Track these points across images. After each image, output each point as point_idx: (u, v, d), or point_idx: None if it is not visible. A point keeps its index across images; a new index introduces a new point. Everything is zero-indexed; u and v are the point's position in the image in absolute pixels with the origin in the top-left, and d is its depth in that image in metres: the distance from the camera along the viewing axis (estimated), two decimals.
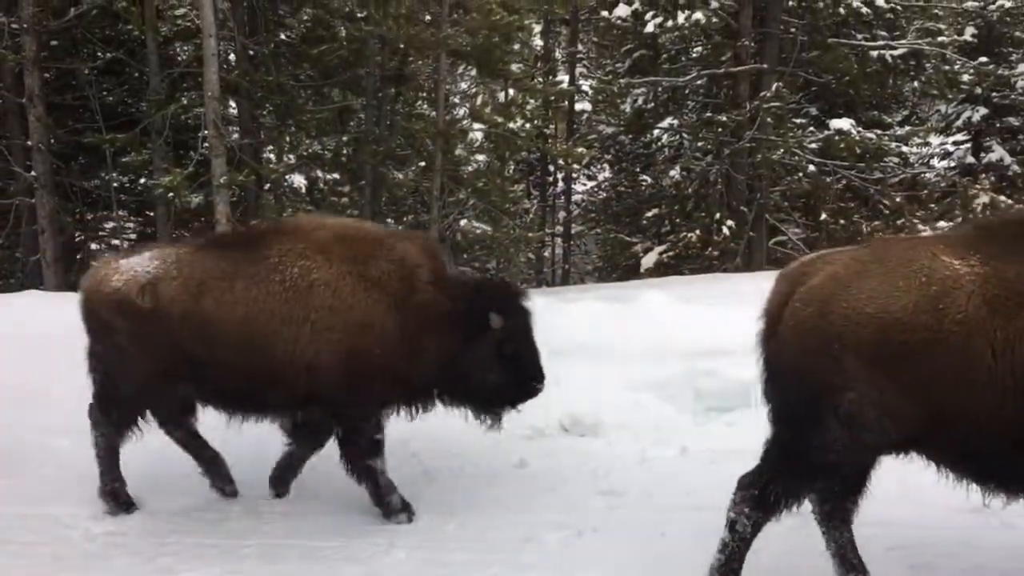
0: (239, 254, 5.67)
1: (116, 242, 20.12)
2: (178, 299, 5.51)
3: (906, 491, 5.81)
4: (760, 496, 4.37)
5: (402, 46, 17.81)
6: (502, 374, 5.63)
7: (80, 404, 7.87)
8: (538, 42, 28.57)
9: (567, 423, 7.00)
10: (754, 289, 12.91)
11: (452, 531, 5.48)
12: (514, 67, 21.01)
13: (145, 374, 5.64)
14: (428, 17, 17.58)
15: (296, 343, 5.43)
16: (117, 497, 5.77)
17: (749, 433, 6.73)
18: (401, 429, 6.99)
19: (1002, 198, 23.15)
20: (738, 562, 4.46)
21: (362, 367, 5.47)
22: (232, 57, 17.90)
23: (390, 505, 5.60)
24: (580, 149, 19.67)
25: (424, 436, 6.33)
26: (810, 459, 4.25)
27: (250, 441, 6.76)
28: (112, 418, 5.76)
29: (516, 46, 20.69)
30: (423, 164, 19.68)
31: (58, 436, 7.03)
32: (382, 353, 5.47)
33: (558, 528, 5.41)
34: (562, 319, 9.66)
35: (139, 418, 5.82)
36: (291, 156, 18.43)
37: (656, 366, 7.98)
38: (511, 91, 23.06)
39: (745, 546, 4.44)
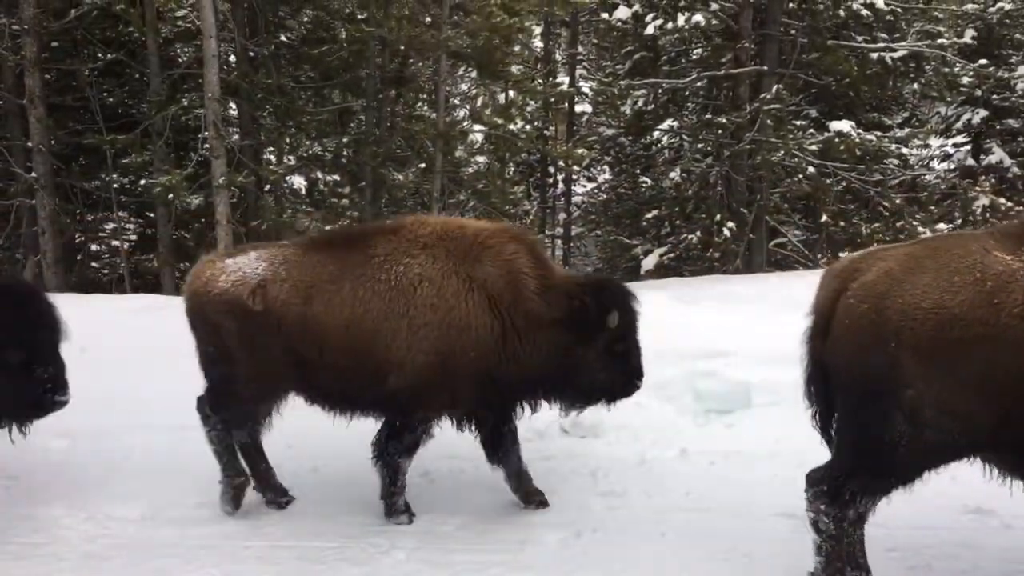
0: (346, 254, 5.61)
1: (116, 243, 20.11)
2: (289, 302, 5.45)
3: (905, 491, 5.83)
4: (834, 492, 4.33)
5: (402, 48, 17.83)
6: (611, 372, 5.62)
7: (79, 404, 7.91)
8: (538, 44, 28.62)
9: (567, 424, 6.99)
10: (754, 291, 13.04)
11: (452, 532, 5.48)
12: (514, 69, 21.04)
13: (255, 375, 5.56)
14: (428, 19, 17.59)
15: (394, 340, 5.38)
16: (228, 494, 5.73)
17: (749, 434, 6.82)
18: None
19: (1002, 200, 23.17)
20: (839, 560, 4.41)
21: (453, 369, 5.41)
22: (232, 59, 17.91)
23: (395, 505, 5.59)
24: (580, 151, 19.70)
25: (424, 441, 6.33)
26: (882, 457, 4.19)
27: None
28: (224, 416, 5.68)
29: (516, 48, 20.71)
30: (423, 165, 19.71)
31: (58, 437, 7.03)
32: (476, 356, 5.41)
33: (558, 529, 5.42)
34: None
35: (251, 418, 5.75)
36: (291, 157, 18.45)
37: (656, 367, 7.91)
38: (511, 93, 23.09)
39: (838, 543, 4.39)
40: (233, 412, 5.68)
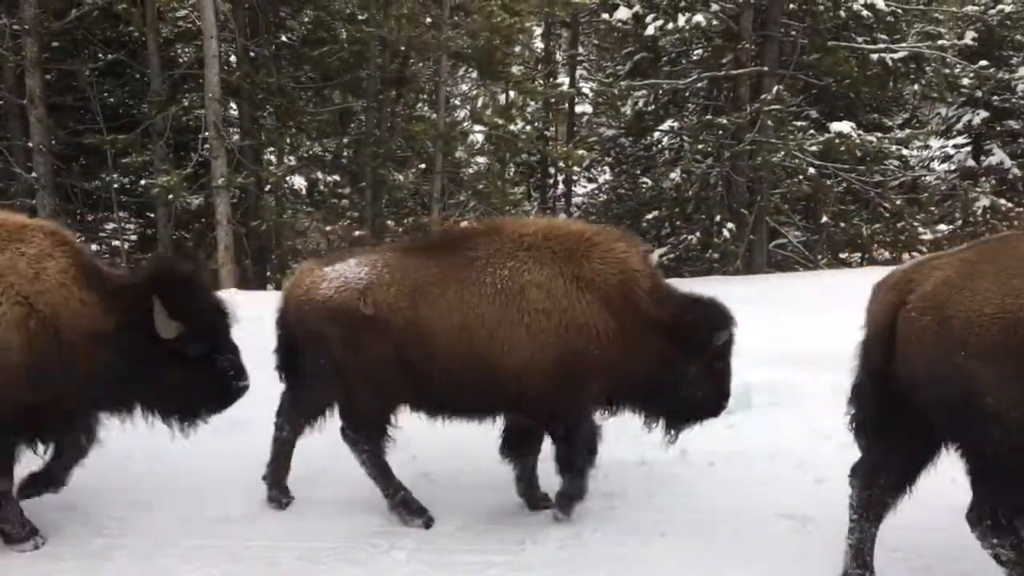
0: (447, 257, 5.52)
1: (116, 243, 20.13)
2: (396, 306, 5.35)
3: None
4: (996, 524, 4.21)
5: (403, 48, 17.84)
6: (706, 391, 5.60)
7: None
8: (539, 44, 28.63)
9: None
10: (754, 292, 13.06)
11: (453, 532, 5.47)
12: (515, 70, 21.03)
13: (364, 383, 5.48)
14: (429, 19, 17.60)
15: (512, 347, 5.29)
16: (409, 506, 5.58)
17: (749, 435, 6.81)
18: (402, 432, 7.03)
19: (1002, 201, 23.17)
20: None
21: (579, 370, 5.35)
22: (233, 59, 17.93)
23: (568, 509, 5.56)
24: (580, 151, 19.71)
25: (425, 439, 6.33)
26: (1003, 467, 4.09)
27: (251, 442, 6.78)
28: (364, 435, 5.58)
29: (517, 48, 20.72)
30: (423, 166, 19.72)
31: None
32: (600, 355, 5.35)
33: (558, 529, 5.42)
34: None
35: (387, 423, 5.62)
36: (291, 158, 18.46)
37: None
38: (511, 93, 23.10)
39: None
40: (371, 428, 5.56)
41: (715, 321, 5.46)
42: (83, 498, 5.86)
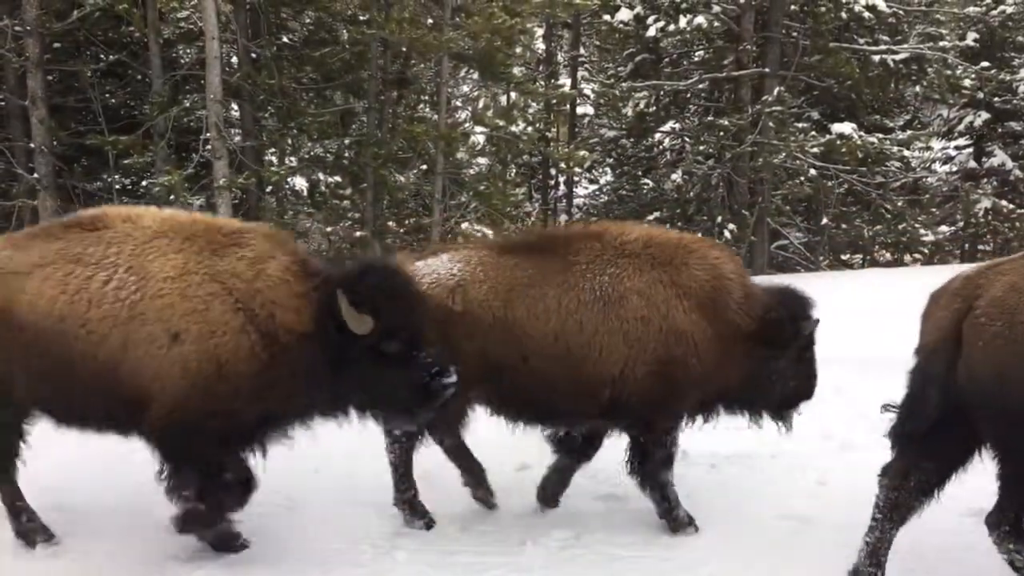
0: (545, 259, 5.50)
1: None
2: (488, 304, 5.31)
3: None
4: (1017, 531, 4.24)
5: (404, 49, 17.84)
6: (799, 377, 5.65)
7: None
8: (540, 46, 28.62)
9: None
10: None
11: (454, 533, 5.48)
12: (516, 71, 21.01)
13: None
14: (430, 21, 17.60)
15: (610, 354, 5.27)
16: (415, 507, 5.64)
17: (750, 438, 6.78)
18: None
19: (1004, 203, 23.15)
20: None
21: (677, 377, 5.35)
22: (235, 60, 17.92)
23: (678, 519, 5.52)
24: (581, 152, 19.69)
25: (426, 440, 6.33)
26: None
27: None
28: (436, 431, 5.61)
29: (518, 49, 20.71)
30: (424, 167, 19.71)
31: (57, 439, 7.03)
32: (697, 363, 5.35)
33: (558, 530, 5.42)
34: None
35: (460, 421, 5.60)
36: (292, 159, 18.46)
37: None
38: (513, 95, 23.09)
39: None
40: (443, 419, 5.48)
41: (799, 312, 5.51)
42: (81, 500, 5.86)
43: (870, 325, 9.83)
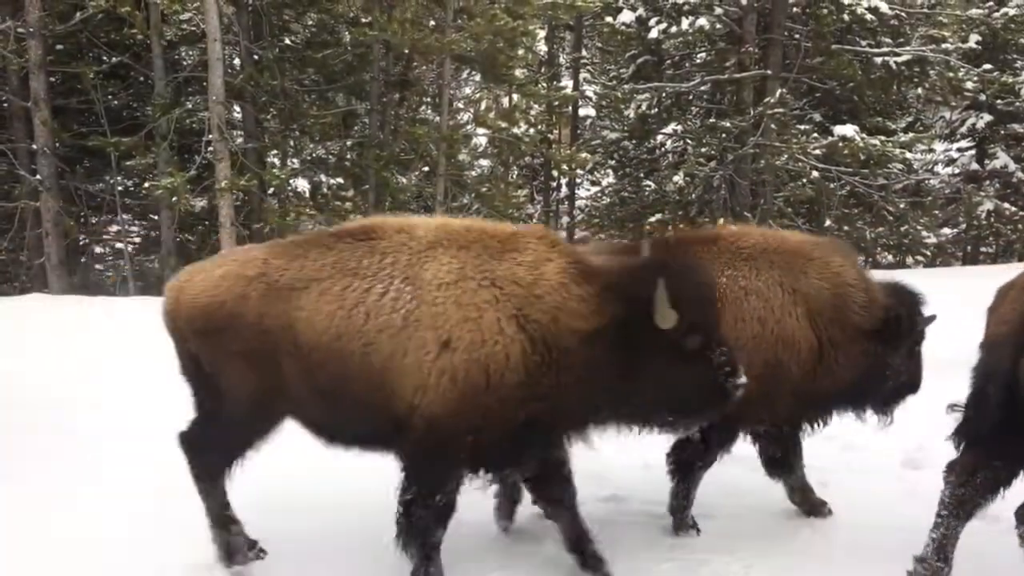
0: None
1: (120, 245, 20.16)
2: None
3: (913, 493, 5.83)
4: None
5: (406, 51, 17.85)
6: (910, 371, 5.66)
7: (73, 408, 7.94)
8: (542, 47, 28.64)
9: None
10: None
11: (451, 539, 5.44)
12: (519, 73, 21.02)
13: None
14: (432, 23, 17.63)
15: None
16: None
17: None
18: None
19: (1006, 205, 23.13)
20: None
21: (776, 382, 5.29)
22: (237, 62, 17.94)
23: (684, 521, 5.53)
24: (583, 154, 19.71)
25: None
26: None
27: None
28: None
29: (520, 52, 20.72)
30: (427, 169, 19.73)
31: (53, 438, 7.06)
32: (797, 371, 5.31)
33: (549, 547, 5.35)
34: None
35: None
36: (295, 160, 18.48)
37: None
38: (515, 97, 23.11)
39: None
40: None
41: (915, 308, 5.51)
42: (72, 505, 5.84)
43: None
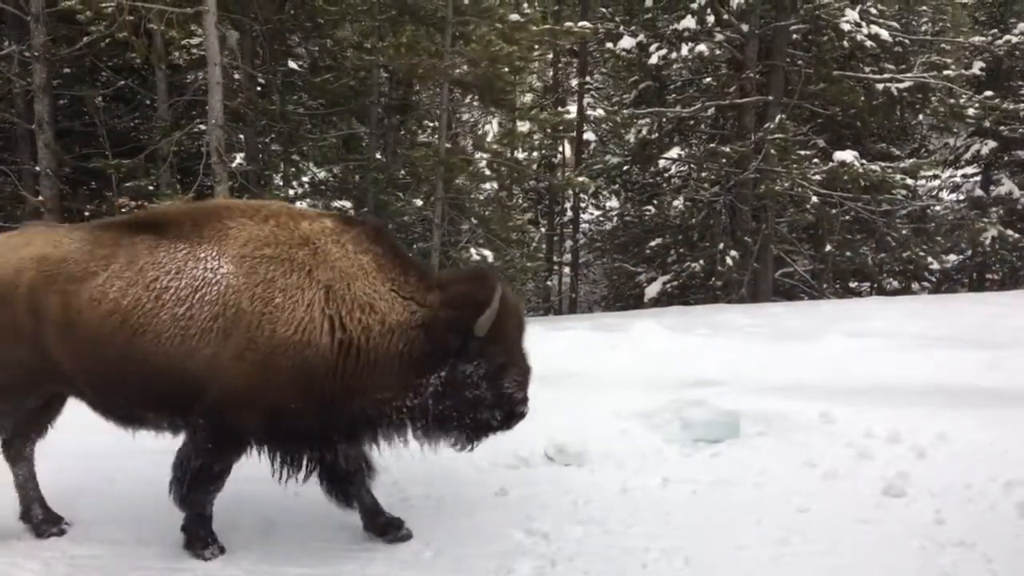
0: None
1: None
2: None
3: (895, 519, 5.76)
4: None
5: (401, 75, 17.98)
6: None
7: (64, 426, 7.93)
8: (547, 72, 28.83)
9: (552, 452, 6.93)
10: (750, 321, 12.96)
11: (428, 558, 5.42)
12: (527, 97, 21.08)
13: None
14: (433, 48, 17.78)
15: None
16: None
17: (734, 464, 6.75)
18: (382, 456, 6.99)
19: (1010, 232, 23.04)
20: None
21: None
22: (237, 85, 18.07)
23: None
24: (581, 179, 19.73)
25: (405, 464, 6.31)
26: None
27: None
28: None
29: (519, 77, 20.83)
30: (426, 192, 19.80)
31: (43, 458, 7.04)
32: None
33: (533, 557, 5.35)
34: (554, 347, 9.66)
35: None
36: (295, 184, 18.58)
37: (645, 395, 7.95)
38: (518, 122, 23.20)
39: None
40: None
41: None
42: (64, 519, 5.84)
43: (860, 353, 9.76)
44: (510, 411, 5.24)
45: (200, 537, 5.36)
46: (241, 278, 4.98)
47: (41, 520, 5.76)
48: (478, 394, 5.12)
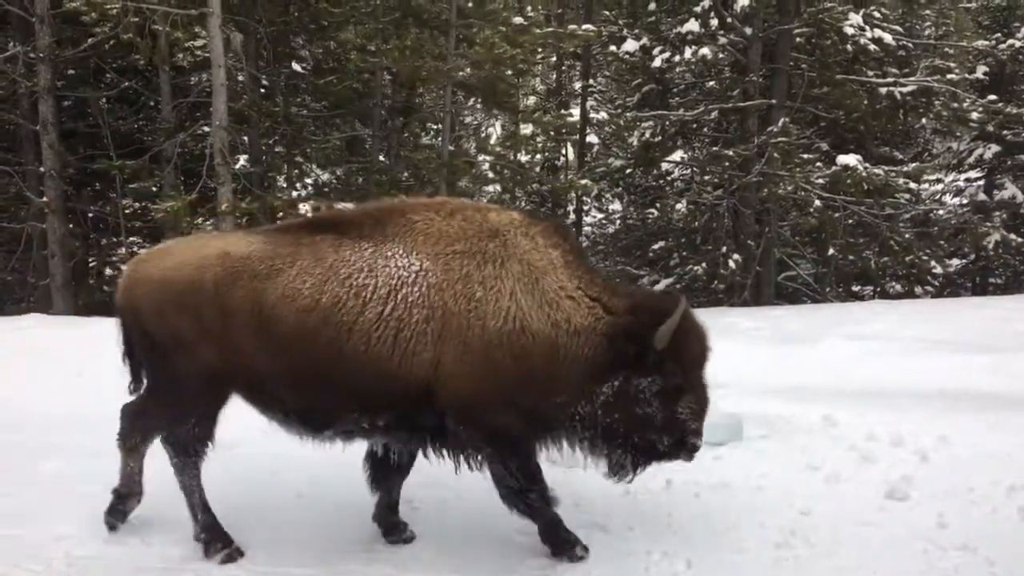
0: None
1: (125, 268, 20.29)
2: None
3: (898, 523, 5.76)
4: None
5: (405, 78, 18.01)
6: None
7: (72, 426, 7.95)
8: (551, 75, 28.84)
9: (555, 455, 6.92)
10: (752, 324, 12.95)
11: (430, 560, 5.43)
12: (530, 100, 21.08)
13: None
14: (437, 51, 17.82)
15: None
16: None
17: (736, 467, 6.75)
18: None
19: (1013, 236, 23.01)
20: None
21: None
22: (241, 87, 18.12)
23: None
24: (585, 181, 19.74)
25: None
26: None
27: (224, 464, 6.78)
28: None
29: (522, 79, 20.85)
30: (429, 194, 19.81)
31: (49, 458, 7.06)
32: None
33: (537, 560, 5.36)
34: None
35: None
36: (298, 185, 18.63)
37: None
38: (521, 125, 23.21)
39: None
40: None
41: None
42: (69, 519, 5.85)
43: (863, 356, 9.77)
44: (680, 439, 5.01)
45: (565, 539, 5.26)
46: (439, 275, 4.89)
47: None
48: (649, 412, 4.94)
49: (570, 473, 6.82)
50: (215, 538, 5.28)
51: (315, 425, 5.21)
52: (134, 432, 5.45)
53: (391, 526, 5.62)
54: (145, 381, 5.44)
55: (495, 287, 4.87)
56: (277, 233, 5.30)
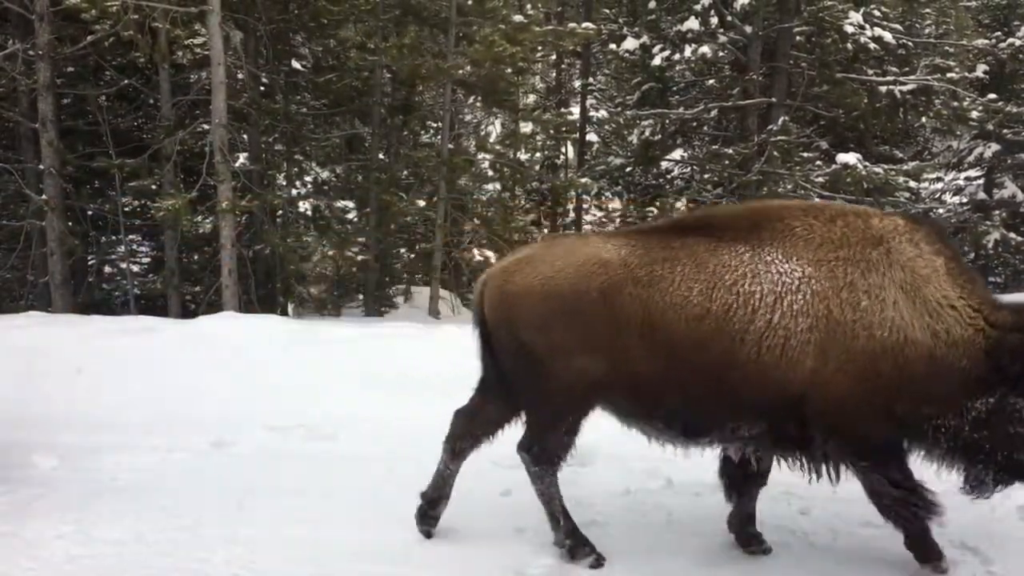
0: None
1: (124, 266, 20.29)
2: None
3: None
4: None
5: (405, 76, 18.02)
6: None
7: (68, 423, 7.96)
8: (551, 73, 28.83)
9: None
10: None
11: (431, 559, 5.43)
12: (530, 98, 21.08)
13: None
14: (437, 48, 17.82)
15: None
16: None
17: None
18: (388, 458, 7.00)
19: (1012, 235, 23.02)
20: None
21: None
22: (240, 85, 18.12)
23: None
24: (584, 180, 19.73)
25: (410, 464, 6.31)
26: None
27: (223, 464, 6.79)
28: None
29: (521, 77, 20.84)
30: (429, 192, 19.83)
31: (46, 455, 7.07)
32: None
33: (538, 558, 5.36)
34: None
35: None
36: (298, 183, 18.64)
37: None
38: (521, 123, 23.20)
39: None
40: None
41: None
42: (67, 517, 5.84)
43: None
44: None
45: (932, 547, 5.08)
46: (823, 283, 4.79)
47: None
48: (1022, 432, 4.73)
49: (570, 472, 6.84)
50: (580, 543, 5.25)
51: (694, 432, 5.14)
52: (466, 436, 5.53)
53: (748, 537, 5.50)
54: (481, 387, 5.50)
55: (880, 296, 4.77)
56: (641, 236, 5.21)
